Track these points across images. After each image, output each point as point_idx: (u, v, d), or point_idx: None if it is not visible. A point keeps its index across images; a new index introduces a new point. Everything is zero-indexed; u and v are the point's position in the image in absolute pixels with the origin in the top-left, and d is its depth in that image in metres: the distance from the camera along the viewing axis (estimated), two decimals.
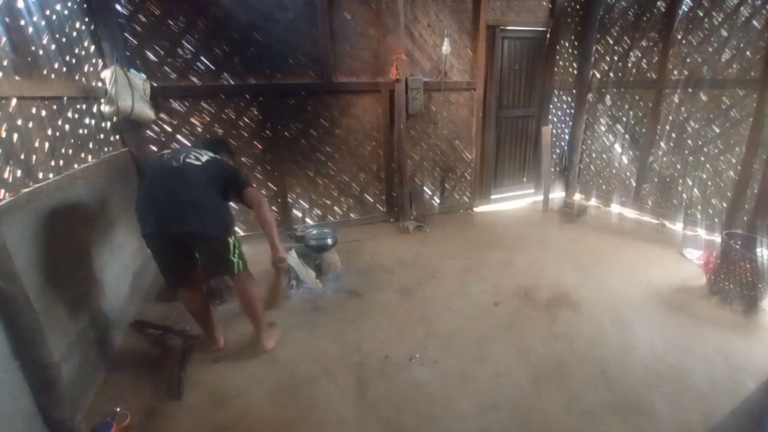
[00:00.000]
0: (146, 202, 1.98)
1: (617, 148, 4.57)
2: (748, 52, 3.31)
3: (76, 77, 2.54)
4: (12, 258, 1.44)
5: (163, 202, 1.93)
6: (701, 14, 3.57)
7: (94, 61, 2.82)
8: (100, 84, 2.83)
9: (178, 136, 3.45)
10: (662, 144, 4.05)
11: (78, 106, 2.47)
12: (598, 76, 4.64)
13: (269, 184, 3.86)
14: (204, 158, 2.08)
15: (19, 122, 1.84)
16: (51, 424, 1.55)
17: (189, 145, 3.43)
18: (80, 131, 2.47)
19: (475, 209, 4.89)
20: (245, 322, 2.58)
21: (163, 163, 2.04)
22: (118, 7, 2.99)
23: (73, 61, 2.51)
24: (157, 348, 2.35)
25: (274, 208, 3.93)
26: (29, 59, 2.00)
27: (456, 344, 2.33)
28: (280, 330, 2.46)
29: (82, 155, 2.45)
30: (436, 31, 4.10)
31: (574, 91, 4.88)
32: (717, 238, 3.40)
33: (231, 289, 2.93)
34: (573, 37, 4.71)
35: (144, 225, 1.96)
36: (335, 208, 4.22)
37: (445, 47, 3.97)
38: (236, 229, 2.19)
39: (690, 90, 3.73)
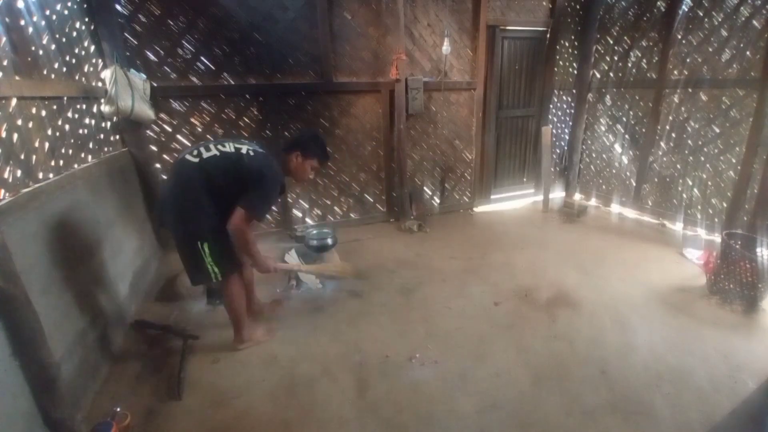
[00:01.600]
0: (162, 193, 2.11)
1: (617, 148, 4.57)
2: (748, 52, 3.31)
3: (76, 77, 2.54)
4: (12, 258, 1.44)
5: (162, 196, 2.04)
6: (701, 14, 3.57)
7: (94, 61, 2.82)
8: (100, 84, 2.83)
9: (178, 136, 3.45)
10: (662, 144, 4.05)
11: (78, 106, 2.47)
12: (598, 76, 4.64)
13: None
14: (228, 149, 1.96)
15: (19, 122, 1.84)
16: (51, 424, 1.55)
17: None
18: (80, 131, 2.47)
19: (475, 209, 4.89)
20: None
21: (183, 154, 2.00)
22: (118, 7, 2.99)
23: (73, 61, 2.51)
24: (157, 348, 2.35)
25: (273, 207, 3.93)
26: (29, 59, 1.99)
27: (456, 344, 2.33)
28: (271, 336, 2.40)
29: (82, 155, 2.45)
30: (436, 31, 4.10)
31: (574, 91, 4.88)
32: (717, 238, 3.40)
33: None
34: (573, 37, 4.71)
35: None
36: (335, 208, 4.22)
37: (445, 47, 3.97)
38: (210, 236, 1.93)
39: (690, 90, 3.73)
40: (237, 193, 1.92)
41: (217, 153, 1.95)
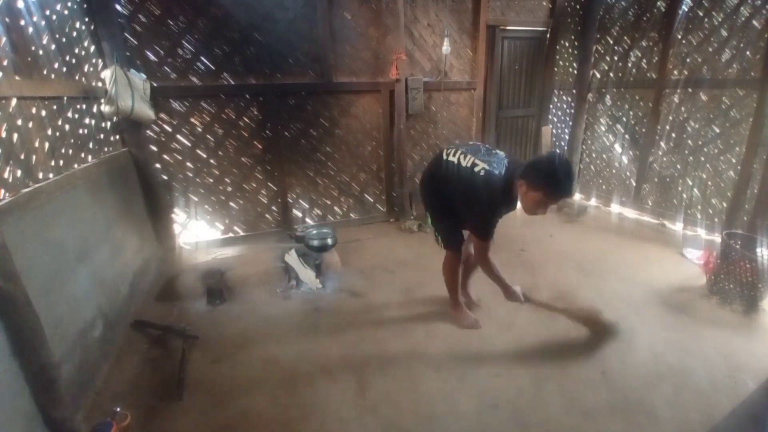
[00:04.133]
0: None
1: (617, 148, 4.57)
2: (748, 52, 3.31)
3: (76, 77, 2.54)
4: (12, 258, 1.44)
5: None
6: (701, 14, 3.57)
7: (94, 61, 2.82)
8: (100, 84, 2.83)
9: (178, 136, 3.45)
10: (662, 144, 4.05)
11: (78, 106, 2.47)
12: (598, 76, 4.63)
13: (269, 184, 3.86)
14: (466, 163, 2.04)
15: (19, 122, 1.84)
16: (51, 424, 1.55)
17: None
18: (80, 131, 2.47)
19: None
20: (244, 321, 2.60)
21: (448, 148, 2.22)
22: (118, 7, 2.99)
23: (73, 61, 2.51)
24: (157, 348, 2.35)
25: (274, 208, 3.94)
26: (29, 59, 1.99)
27: (456, 344, 2.33)
28: (471, 322, 2.49)
29: (82, 155, 2.45)
30: (436, 31, 4.10)
31: (574, 91, 4.87)
32: (717, 238, 3.40)
33: (231, 289, 2.94)
34: (573, 37, 4.71)
35: None
36: (335, 208, 4.22)
37: (445, 47, 3.97)
38: (432, 210, 2.36)
39: (690, 90, 3.73)
40: (462, 202, 2.12)
41: (456, 162, 2.09)
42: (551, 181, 1.74)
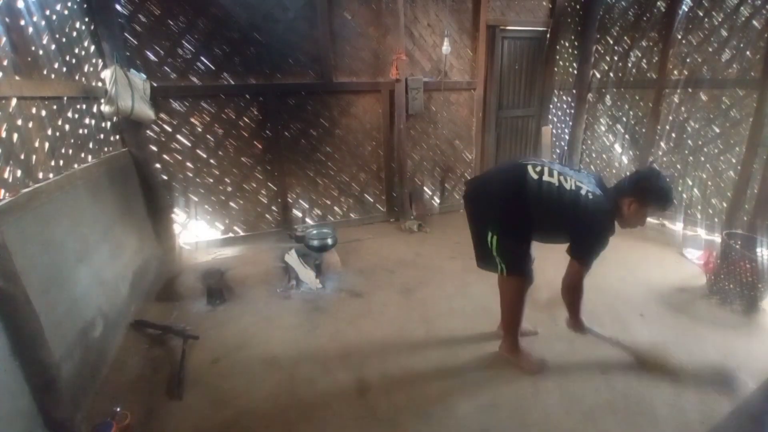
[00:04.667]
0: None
1: (617, 148, 4.57)
2: (748, 52, 3.31)
3: (76, 77, 2.54)
4: (12, 258, 1.44)
5: (487, 180, 2.15)
6: (701, 14, 3.57)
7: (94, 61, 2.82)
8: (100, 84, 2.83)
9: (178, 136, 3.45)
10: (662, 144, 4.05)
11: (78, 106, 2.47)
12: (598, 76, 4.63)
13: (269, 184, 3.85)
14: (569, 185, 1.83)
15: (19, 122, 1.84)
16: (51, 424, 1.55)
17: None
18: (80, 131, 2.47)
19: None
20: (244, 321, 2.59)
21: (525, 161, 1.96)
22: (118, 7, 2.99)
23: (73, 61, 2.51)
24: (157, 348, 2.35)
25: (274, 208, 3.94)
26: (29, 59, 1.99)
27: (456, 344, 2.33)
28: (538, 364, 2.12)
29: (82, 155, 2.45)
30: (436, 31, 4.10)
31: (574, 91, 4.87)
32: (717, 238, 3.40)
33: (231, 289, 2.94)
34: (573, 37, 4.71)
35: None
36: (335, 208, 4.22)
37: (445, 47, 3.97)
38: (502, 234, 1.93)
39: (690, 90, 3.73)
40: (557, 225, 1.91)
41: (557, 184, 1.85)
42: (662, 195, 1.84)
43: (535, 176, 1.88)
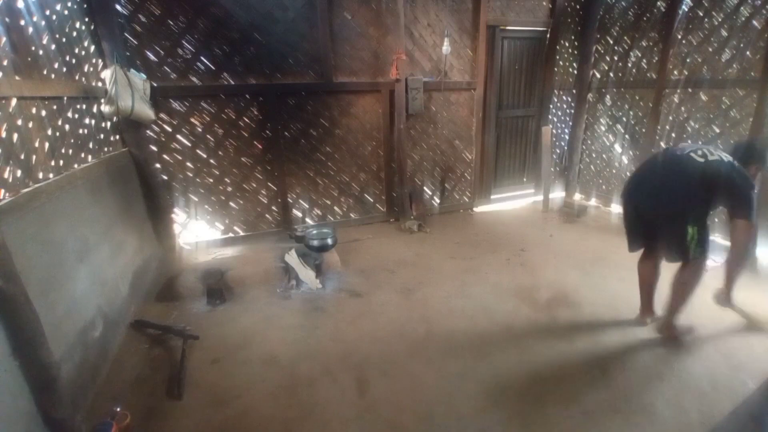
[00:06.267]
0: (638, 176, 2.36)
1: (617, 148, 4.57)
2: (748, 52, 3.31)
3: (76, 77, 2.54)
4: (12, 258, 1.44)
5: (648, 183, 2.28)
6: (701, 14, 3.57)
7: (94, 61, 2.82)
8: (100, 84, 2.83)
9: (178, 136, 3.45)
10: (662, 144, 4.05)
11: (78, 106, 2.47)
12: (598, 76, 4.63)
13: (269, 184, 3.86)
14: (711, 157, 2.09)
15: (19, 122, 1.84)
16: (51, 424, 1.55)
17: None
18: (80, 131, 2.47)
19: (475, 209, 4.89)
20: (244, 321, 2.59)
21: (685, 151, 2.17)
22: (118, 7, 2.99)
23: (73, 61, 2.51)
24: (157, 348, 2.35)
25: (274, 208, 3.94)
26: (29, 59, 1.99)
27: (456, 344, 2.33)
28: (682, 338, 2.30)
29: (82, 155, 2.45)
30: (436, 31, 4.10)
31: (574, 91, 4.88)
32: (717, 238, 3.40)
33: (231, 289, 2.94)
34: (573, 37, 4.71)
35: (627, 194, 2.34)
36: (335, 208, 4.22)
37: (445, 47, 3.97)
38: (697, 223, 2.10)
39: (690, 90, 3.73)
40: (719, 195, 2.10)
41: (717, 158, 2.09)
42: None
43: (701, 160, 2.10)
